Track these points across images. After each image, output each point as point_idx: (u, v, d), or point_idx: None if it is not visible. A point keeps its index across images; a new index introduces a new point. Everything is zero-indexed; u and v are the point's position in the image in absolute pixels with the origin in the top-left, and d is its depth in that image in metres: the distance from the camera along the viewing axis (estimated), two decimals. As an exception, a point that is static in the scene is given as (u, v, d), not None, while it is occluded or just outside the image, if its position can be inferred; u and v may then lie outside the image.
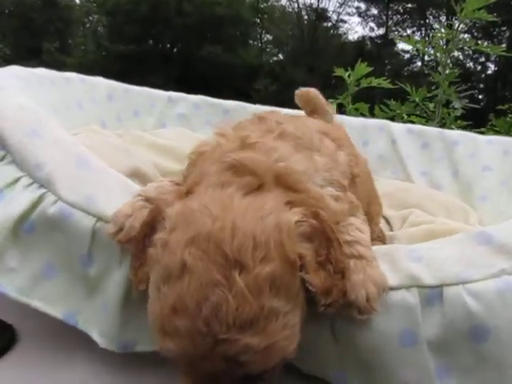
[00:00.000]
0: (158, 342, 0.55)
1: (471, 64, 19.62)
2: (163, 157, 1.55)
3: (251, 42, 22.28)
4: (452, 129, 2.42)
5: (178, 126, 1.91)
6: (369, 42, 22.73)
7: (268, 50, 23.31)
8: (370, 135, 1.80)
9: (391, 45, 20.86)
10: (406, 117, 2.79)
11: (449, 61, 2.72)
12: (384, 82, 2.63)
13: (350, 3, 22.37)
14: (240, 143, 0.73)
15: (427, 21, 20.80)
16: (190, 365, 0.54)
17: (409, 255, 0.71)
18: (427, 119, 2.75)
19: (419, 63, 20.01)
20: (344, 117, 2.00)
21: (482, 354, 0.64)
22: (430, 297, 0.65)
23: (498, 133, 3.16)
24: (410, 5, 21.46)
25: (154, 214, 0.65)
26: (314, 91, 1.21)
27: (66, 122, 1.33)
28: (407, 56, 21.12)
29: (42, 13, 17.98)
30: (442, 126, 2.66)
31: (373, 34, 22.72)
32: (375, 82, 2.63)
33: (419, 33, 20.78)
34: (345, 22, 23.09)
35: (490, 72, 20.39)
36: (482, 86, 19.95)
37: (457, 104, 2.66)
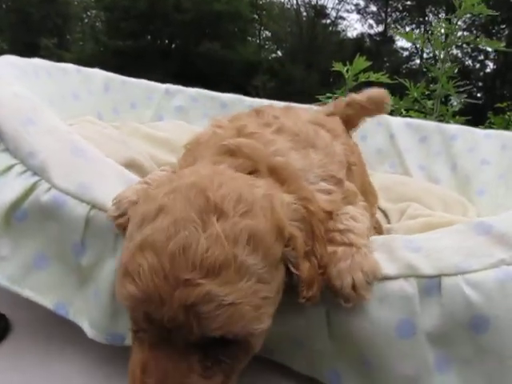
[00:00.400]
0: (118, 290, 0.52)
1: (470, 62, 19.69)
2: (160, 149, 1.53)
3: (250, 38, 22.23)
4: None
5: (175, 119, 1.90)
6: (368, 39, 22.73)
7: (266, 46, 23.30)
8: (368, 129, 1.78)
9: (390, 42, 20.91)
10: (404, 112, 2.79)
11: (448, 58, 2.72)
12: (382, 77, 2.61)
13: (348, 0, 22.38)
14: (236, 132, 0.73)
15: (426, 18, 20.80)
16: (147, 317, 0.50)
17: (407, 245, 0.69)
18: (425, 114, 2.74)
19: (418, 61, 20.07)
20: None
21: (482, 344, 0.63)
22: (428, 287, 0.64)
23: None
24: (409, 2, 21.47)
25: None
26: (385, 92, 1.19)
27: (62, 112, 1.31)
28: (406, 53, 21.21)
29: (39, 8, 17.89)
30: (441, 122, 2.65)
31: (372, 31, 22.73)
32: (374, 76, 2.62)
33: (418, 30, 20.76)
34: (344, 18, 23.14)
35: (488, 70, 20.46)
36: (480, 84, 19.98)
37: (455, 100, 2.66)
